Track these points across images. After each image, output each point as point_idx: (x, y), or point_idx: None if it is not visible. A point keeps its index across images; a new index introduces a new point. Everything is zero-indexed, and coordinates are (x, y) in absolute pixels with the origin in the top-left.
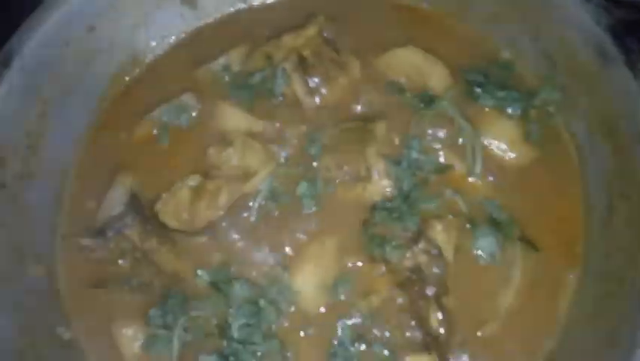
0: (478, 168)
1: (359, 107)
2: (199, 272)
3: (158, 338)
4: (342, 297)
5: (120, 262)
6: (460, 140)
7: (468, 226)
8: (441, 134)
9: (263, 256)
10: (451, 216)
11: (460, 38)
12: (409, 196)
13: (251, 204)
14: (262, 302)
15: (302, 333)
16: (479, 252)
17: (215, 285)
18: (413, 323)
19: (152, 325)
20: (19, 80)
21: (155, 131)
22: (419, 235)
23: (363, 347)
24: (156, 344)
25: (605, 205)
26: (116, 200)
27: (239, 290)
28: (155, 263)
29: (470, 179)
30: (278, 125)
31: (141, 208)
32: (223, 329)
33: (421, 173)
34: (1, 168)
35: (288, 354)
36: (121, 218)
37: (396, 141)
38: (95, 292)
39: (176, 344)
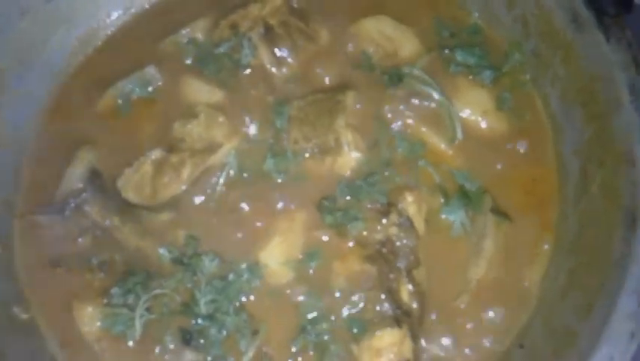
0: (459, 133)
1: (328, 78)
2: (161, 251)
3: (119, 317)
4: (311, 271)
5: (79, 240)
6: (434, 107)
7: (441, 199)
8: (413, 105)
9: (229, 231)
10: (423, 188)
11: (432, 5)
12: (375, 173)
13: (216, 178)
14: (231, 276)
15: (271, 308)
16: (450, 223)
17: (180, 261)
18: (383, 296)
19: (113, 304)
20: None
21: (117, 105)
22: (389, 206)
23: (333, 321)
24: (117, 323)
25: (580, 173)
26: (75, 177)
27: (208, 265)
28: (117, 241)
29: (442, 147)
30: (244, 96)
31: (102, 184)
32: (189, 306)
33: (395, 153)
34: None
35: (258, 330)
36: (79, 194)
37: (366, 112)
38: (54, 271)
39: (138, 324)
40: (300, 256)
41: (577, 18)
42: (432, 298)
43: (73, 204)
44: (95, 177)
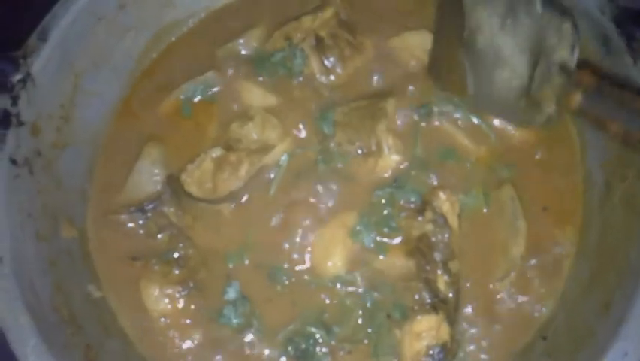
0: (492, 137)
1: (372, 86)
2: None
3: None
4: (360, 265)
5: (159, 236)
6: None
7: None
8: (448, 114)
9: (281, 228)
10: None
11: None
12: (411, 174)
13: (270, 175)
14: (286, 265)
15: (315, 295)
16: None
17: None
18: (421, 285)
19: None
20: (55, 54)
21: (179, 107)
22: (424, 205)
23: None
24: None
25: (604, 184)
26: (144, 171)
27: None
28: (189, 238)
29: (475, 151)
30: (295, 101)
31: (178, 187)
32: None
33: (431, 155)
34: (37, 136)
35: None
36: (159, 197)
37: (405, 118)
38: (133, 264)
39: None
40: (349, 251)
41: (607, 42)
42: (472, 284)
43: (153, 206)
44: (171, 181)
